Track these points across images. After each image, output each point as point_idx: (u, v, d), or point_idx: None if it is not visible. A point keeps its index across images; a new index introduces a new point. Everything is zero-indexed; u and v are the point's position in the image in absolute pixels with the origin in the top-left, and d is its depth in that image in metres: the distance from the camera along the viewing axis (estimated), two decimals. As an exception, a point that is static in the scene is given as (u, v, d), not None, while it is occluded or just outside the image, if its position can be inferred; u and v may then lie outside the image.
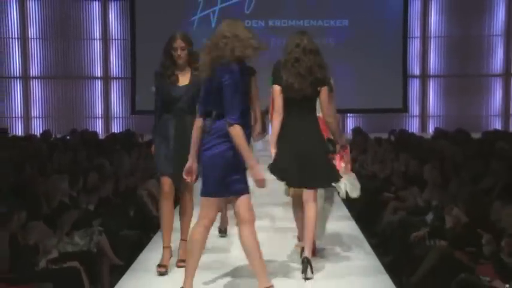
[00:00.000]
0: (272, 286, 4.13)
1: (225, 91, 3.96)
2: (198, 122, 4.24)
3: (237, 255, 5.25)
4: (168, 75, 4.99)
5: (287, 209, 6.93)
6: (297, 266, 5.03)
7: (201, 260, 4.48)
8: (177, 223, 5.27)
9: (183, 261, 5.08)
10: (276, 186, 5.35)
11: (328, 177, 5.03)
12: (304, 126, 4.93)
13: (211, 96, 4.08)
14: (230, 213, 6.33)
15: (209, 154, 4.05)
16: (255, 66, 9.22)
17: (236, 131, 3.95)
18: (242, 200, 4.14)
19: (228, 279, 4.86)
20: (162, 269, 4.95)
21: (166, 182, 5.02)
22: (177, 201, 5.39)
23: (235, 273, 4.99)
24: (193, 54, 4.96)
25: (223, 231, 6.30)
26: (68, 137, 13.02)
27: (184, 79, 5.02)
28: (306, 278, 4.83)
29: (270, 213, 7.27)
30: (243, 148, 3.99)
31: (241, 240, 4.13)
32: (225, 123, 3.97)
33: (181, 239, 5.23)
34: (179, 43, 4.94)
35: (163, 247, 5.07)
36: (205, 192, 4.14)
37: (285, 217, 6.52)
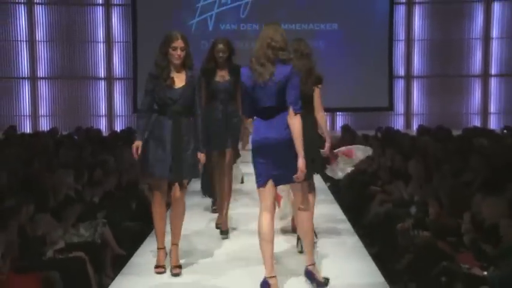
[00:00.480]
0: (315, 264, 4.41)
1: (293, 84, 4.07)
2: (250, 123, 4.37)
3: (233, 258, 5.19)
4: (164, 78, 4.62)
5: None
6: (291, 258, 5.03)
7: (199, 261, 4.68)
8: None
9: (179, 267, 4.79)
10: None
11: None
12: (304, 125, 5.00)
13: (276, 94, 4.10)
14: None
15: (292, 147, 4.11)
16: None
17: (300, 121, 4.08)
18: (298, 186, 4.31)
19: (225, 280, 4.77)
20: (161, 269, 4.81)
21: (161, 186, 4.76)
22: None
23: (232, 275, 4.84)
24: (189, 56, 4.69)
25: (224, 232, 5.95)
26: (76, 137, 12.95)
27: (179, 81, 4.66)
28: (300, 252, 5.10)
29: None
30: (300, 138, 4.08)
31: (300, 222, 4.40)
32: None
33: (173, 244, 4.83)
34: (180, 43, 4.60)
35: (158, 248, 4.88)
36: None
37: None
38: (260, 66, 4.12)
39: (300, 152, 4.07)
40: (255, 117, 4.30)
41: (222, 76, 5.86)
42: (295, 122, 4.07)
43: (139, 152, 4.62)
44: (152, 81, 4.68)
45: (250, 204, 7.18)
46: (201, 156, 4.76)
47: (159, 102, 4.68)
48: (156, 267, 4.85)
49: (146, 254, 5.35)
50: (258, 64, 4.14)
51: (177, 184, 4.74)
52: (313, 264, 4.43)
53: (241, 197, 7.68)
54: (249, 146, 6.20)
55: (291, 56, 4.22)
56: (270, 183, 4.21)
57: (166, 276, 4.75)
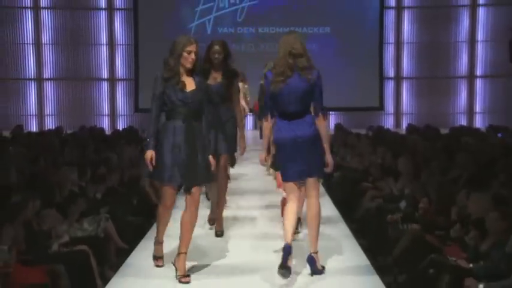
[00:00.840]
0: (318, 252, 4.55)
1: (318, 91, 4.41)
2: (270, 124, 4.52)
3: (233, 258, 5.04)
4: (176, 81, 4.38)
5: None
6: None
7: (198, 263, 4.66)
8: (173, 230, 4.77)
9: (188, 276, 4.48)
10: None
11: None
12: None
13: (300, 97, 4.36)
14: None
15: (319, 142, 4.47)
16: (248, 71, 9.01)
17: (326, 123, 4.55)
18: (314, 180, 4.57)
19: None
20: (161, 262, 4.76)
21: (172, 192, 4.51)
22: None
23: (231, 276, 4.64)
24: (198, 60, 4.52)
25: (219, 233, 5.72)
26: (79, 136, 12.90)
27: (190, 84, 4.43)
28: None
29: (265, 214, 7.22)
30: (328, 137, 4.52)
31: (309, 210, 4.55)
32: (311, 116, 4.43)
33: (182, 253, 4.48)
34: (194, 47, 4.40)
35: (159, 243, 4.76)
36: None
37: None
38: (281, 72, 4.37)
39: (328, 149, 4.48)
40: (277, 119, 4.49)
41: (215, 78, 5.61)
42: (324, 124, 4.48)
43: (153, 162, 4.37)
44: (162, 85, 4.39)
45: (245, 206, 7.05)
46: (211, 158, 4.57)
47: (171, 105, 4.40)
48: (157, 258, 4.78)
49: (147, 248, 5.32)
50: (280, 70, 4.38)
51: (191, 190, 4.45)
52: (317, 252, 4.57)
53: (235, 198, 7.49)
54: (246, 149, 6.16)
55: (306, 64, 4.38)
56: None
57: (167, 268, 4.72)
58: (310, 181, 4.55)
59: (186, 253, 4.47)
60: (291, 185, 4.55)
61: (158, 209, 4.75)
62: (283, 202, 6.22)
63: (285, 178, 4.55)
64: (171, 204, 4.59)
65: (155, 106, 4.40)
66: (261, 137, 6.50)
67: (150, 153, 4.38)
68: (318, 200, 4.59)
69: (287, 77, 4.35)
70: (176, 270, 4.48)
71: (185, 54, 4.39)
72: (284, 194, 6.32)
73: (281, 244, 5.25)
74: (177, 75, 4.40)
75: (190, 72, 4.47)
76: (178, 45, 4.40)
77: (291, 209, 4.50)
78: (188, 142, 4.37)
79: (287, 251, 4.36)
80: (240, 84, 7.01)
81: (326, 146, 4.46)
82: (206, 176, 4.51)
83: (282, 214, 5.97)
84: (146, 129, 4.49)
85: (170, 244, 4.92)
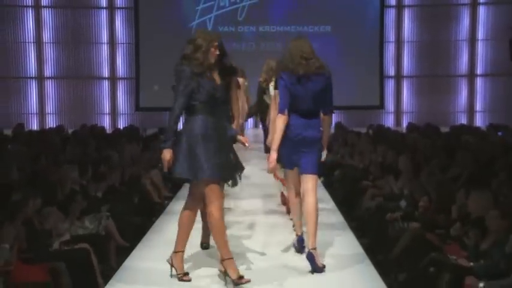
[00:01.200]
0: (316, 248, 4.54)
1: (330, 89, 4.64)
2: (285, 120, 4.56)
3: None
4: (208, 76, 4.23)
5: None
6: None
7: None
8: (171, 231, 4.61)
9: (187, 274, 4.41)
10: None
11: None
12: None
13: (314, 95, 4.57)
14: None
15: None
16: (249, 69, 8.90)
17: (331, 121, 4.89)
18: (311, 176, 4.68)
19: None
20: (187, 277, 4.42)
21: (221, 189, 4.24)
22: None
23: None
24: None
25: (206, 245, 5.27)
26: (79, 134, 12.88)
27: (216, 79, 4.33)
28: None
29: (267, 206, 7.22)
30: (329, 132, 4.88)
31: (306, 206, 4.62)
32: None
33: (180, 251, 4.39)
34: (217, 43, 4.31)
35: (180, 252, 4.37)
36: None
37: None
38: (298, 72, 4.54)
39: (326, 141, 4.82)
40: (291, 116, 4.59)
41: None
42: (330, 122, 4.77)
43: (170, 163, 4.13)
44: (194, 79, 4.17)
45: (245, 206, 7.02)
46: (243, 139, 4.49)
47: (203, 99, 4.19)
48: (186, 274, 4.42)
49: (148, 247, 5.32)
50: (295, 71, 4.54)
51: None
52: (315, 248, 4.52)
53: (234, 197, 7.42)
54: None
55: (318, 64, 4.59)
56: (296, 169, 4.77)
57: (166, 266, 4.72)
58: (307, 177, 4.63)
59: (183, 251, 4.39)
60: (292, 174, 4.82)
61: (213, 214, 4.18)
62: (283, 195, 6.57)
63: (288, 166, 4.81)
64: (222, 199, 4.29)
65: (182, 102, 4.16)
66: (265, 137, 6.50)
67: (169, 153, 4.12)
68: (315, 195, 4.60)
69: (306, 70, 4.54)
70: (172, 269, 4.43)
71: (213, 49, 4.26)
72: (282, 188, 6.42)
73: (281, 243, 5.33)
74: (207, 69, 4.23)
75: (211, 67, 4.31)
76: (206, 40, 4.24)
77: (295, 201, 4.90)
78: (219, 138, 4.21)
79: (300, 243, 4.91)
80: (241, 80, 6.93)
81: (326, 135, 4.78)
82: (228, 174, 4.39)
83: (283, 202, 6.62)
84: (167, 125, 4.23)
85: (166, 243, 4.88)
